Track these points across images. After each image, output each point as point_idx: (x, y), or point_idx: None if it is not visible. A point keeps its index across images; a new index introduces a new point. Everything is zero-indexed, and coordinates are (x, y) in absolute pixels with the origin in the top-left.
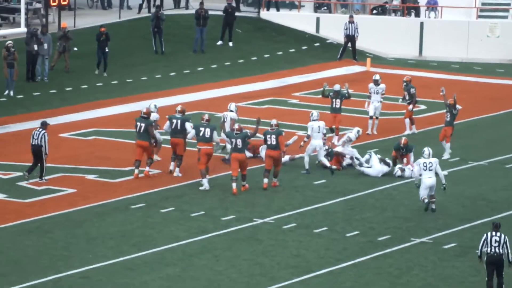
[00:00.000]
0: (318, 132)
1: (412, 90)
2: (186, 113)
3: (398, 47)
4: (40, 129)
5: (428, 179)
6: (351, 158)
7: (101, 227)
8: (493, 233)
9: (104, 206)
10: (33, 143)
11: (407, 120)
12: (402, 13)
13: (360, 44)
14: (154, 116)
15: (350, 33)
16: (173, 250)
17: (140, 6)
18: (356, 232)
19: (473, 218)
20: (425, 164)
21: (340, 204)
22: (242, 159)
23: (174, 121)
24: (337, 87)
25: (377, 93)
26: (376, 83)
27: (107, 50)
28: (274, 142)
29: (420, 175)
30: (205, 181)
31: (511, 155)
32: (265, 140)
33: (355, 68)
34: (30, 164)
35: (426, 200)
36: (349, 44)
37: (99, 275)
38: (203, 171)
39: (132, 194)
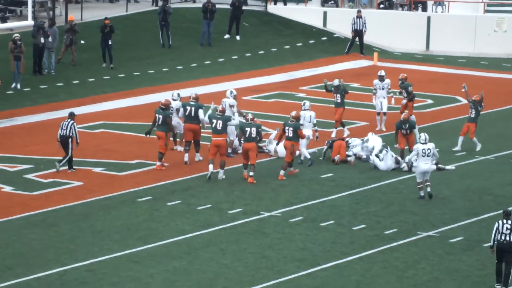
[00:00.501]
0: (309, 122)
1: (410, 88)
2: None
3: (405, 41)
4: (69, 120)
5: (424, 165)
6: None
7: (107, 220)
8: (504, 221)
9: (110, 199)
10: (61, 133)
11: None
12: (409, 8)
13: (367, 39)
14: (177, 104)
15: (358, 28)
16: (179, 243)
17: None
18: (363, 226)
19: (480, 212)
20: (423, 151)
21: (346, 198)
22: (252, 148)
23: (188, 108)
24: (336, 82)
25: (383, 89)
26: (382, 78)
27: (110, 42)
28: (291, 135)
29: (416, 160)
30: (221, 172)
31: None
32: (284, 131)
33: (362, 62)
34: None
35: (422, 194)
36: (357, 39)
37: (105, 268)
38: (211, 160)
39: (138, 187)
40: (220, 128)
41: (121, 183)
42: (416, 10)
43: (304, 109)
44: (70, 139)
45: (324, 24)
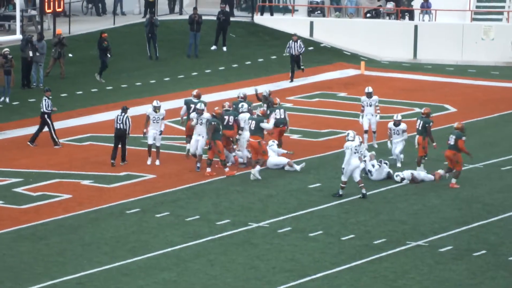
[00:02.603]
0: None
1: (430, 124)
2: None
3: (392, 50)
4: (123, 114)
5: (356, 161)
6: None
7: (96, 233)
8: None
9: (99, 212)
10: (118, 127)
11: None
12: (396, 17)
13: (354, 48)
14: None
15: (294, 53)
16: (168, 255)
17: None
18: (352, 236)
19: (469, 221)
20: (356, 148)
21: (335, 207)
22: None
23: (192, 105)
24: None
25: (371, 106)
26: (369, 95)
27: (109, 55)
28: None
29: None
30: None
31: (506, 158)
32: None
33: (349, 72)
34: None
35: (341, 192)
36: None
37: (94, 280)
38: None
39: (127, 199)
40: (253, 129)
41: (109, 195)
42: (403, 19)
43: (242, 112)
44: (126, 132)
45: (311, 34)
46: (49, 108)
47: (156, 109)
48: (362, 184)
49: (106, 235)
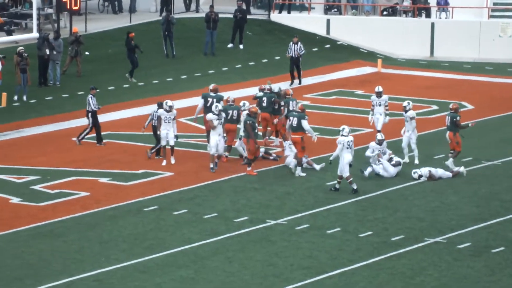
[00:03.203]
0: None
1: (457, 118)
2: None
3: (409, 48)
4: (158, 109)
5: (350, 156)
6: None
7: (114, 230)
8: None
9: (117, 209)
10: (154, 124)
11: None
12: (413, 14)
13: (371, 45)
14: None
15: (294, 55)
16: (186, 252)
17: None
18: (369, 233)
19: (487, 218)
20: (348, 143)
21: (352, 205)
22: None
23: (210, 99)
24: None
25: (380, 105)
26: (379, 95)
27: (136, 55)
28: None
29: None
30: (298, 169)
31: None
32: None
33: (366, 69)
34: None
35: (354, 187)
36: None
37: (112, 278)
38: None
39: (144, 197)
40: (295, 126)
41: (127, 193)
42: (420, 16)
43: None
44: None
45: (328, 31)
46: (96, 106)
47: (169, 108)
48: (351, 179)
49: (124, 232)
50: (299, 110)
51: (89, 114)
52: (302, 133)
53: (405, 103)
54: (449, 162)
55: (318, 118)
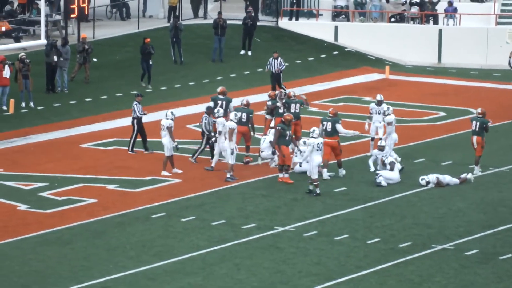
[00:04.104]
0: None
1: (488, 123)
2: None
3: (416, 54)
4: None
5: (319, 158)
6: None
7: (122, 237)
8: None
9: (125, 216)
10: (209, 128)
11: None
12: (421, 21)
13: (378, 52)
14: (168, 122)
15: (274, 70)
16: (194, 259)
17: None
18: (377, 239)
19: (495, 224)
20: (318, 145)
21: (360, 211)
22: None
23: (219, 102)
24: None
25: (379, 114)
26: (379, 103)
27: (151, 62)
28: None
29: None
30: (324, 172)
31: None
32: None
33: (374, 76)
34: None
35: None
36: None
37: (120, 285)
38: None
39: (152, 204)
40: (330, 130)
41: (135, 200)
42: (428, 23)
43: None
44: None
45: (336, 38)
46: (141, 113)
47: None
48: (318, 183)
49: (132, 239)
50: (331, 115)
51: (135, 121)
52: (337, 137)
53: (385, 107)
54: (476, 170)
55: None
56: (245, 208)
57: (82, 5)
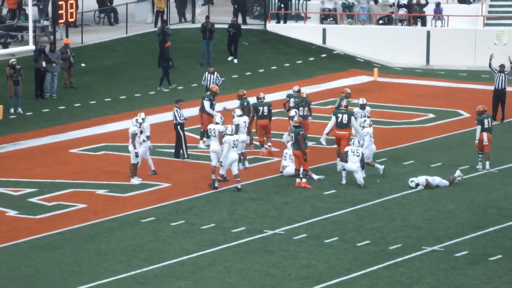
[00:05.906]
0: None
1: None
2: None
3: (405, 56)
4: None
5: (234, 155)
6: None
7: (112, 242)
8: None
9: (115, 221)
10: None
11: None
12: (409, 23)
13: (367, 54)
14: (132, 129)
15: (209, 85)
16: (184, 263)
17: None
18: (367, 242)
19: (485, 225)
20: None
21: (350, 214)
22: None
23: (261, 108)
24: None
25: (364, 117)
26: (363, 107)
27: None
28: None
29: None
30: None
31: None
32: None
33: (363, 78)
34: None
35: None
36: None
37: None
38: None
39: (142, 208)
40: (346, 122)
41: (125, 204)
42: (416, 25)
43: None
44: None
45: (324, 41)
46: (182, 118)
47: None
48: (239, 178)
49: (122, 244)
50: (345, 109)
51: (178, 127)
52: (349, 129)
53: (368, 110)
54: (487, 164)
55: (316, 127)
56: (235, 211)
57: (70, 11)
